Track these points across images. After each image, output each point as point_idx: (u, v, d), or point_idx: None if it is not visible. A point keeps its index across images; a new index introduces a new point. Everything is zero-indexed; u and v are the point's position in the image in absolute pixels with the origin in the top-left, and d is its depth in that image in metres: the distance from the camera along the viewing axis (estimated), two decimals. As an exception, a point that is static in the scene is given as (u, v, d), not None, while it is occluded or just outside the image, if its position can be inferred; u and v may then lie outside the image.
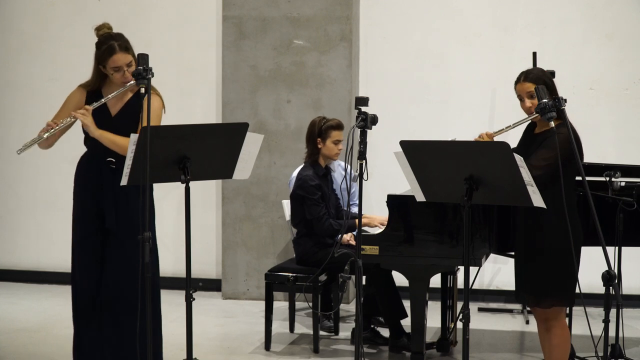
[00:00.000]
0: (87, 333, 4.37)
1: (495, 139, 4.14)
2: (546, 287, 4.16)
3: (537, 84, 4.03)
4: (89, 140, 4.36)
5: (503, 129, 4.16)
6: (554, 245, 4.10)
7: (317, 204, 5.38)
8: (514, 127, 4.14)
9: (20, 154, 4.19)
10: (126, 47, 4.27)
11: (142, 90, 3.69)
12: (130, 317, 4.20)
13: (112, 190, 4.28)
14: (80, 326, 4.39)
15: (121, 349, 4.32)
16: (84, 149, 4.45)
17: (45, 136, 4.18)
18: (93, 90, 4.35)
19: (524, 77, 4.16)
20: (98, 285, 4.33)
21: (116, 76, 4.26)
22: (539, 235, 4.16)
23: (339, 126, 5.52)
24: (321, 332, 5.66)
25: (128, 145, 4.12)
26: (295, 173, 5.77)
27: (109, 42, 4.24)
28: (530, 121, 4.24)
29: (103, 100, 4.23)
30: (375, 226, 5.37)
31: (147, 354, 3.76)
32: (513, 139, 4.33)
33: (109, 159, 4.30)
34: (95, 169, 4.34)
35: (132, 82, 4.16)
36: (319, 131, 5.49)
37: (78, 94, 4.37)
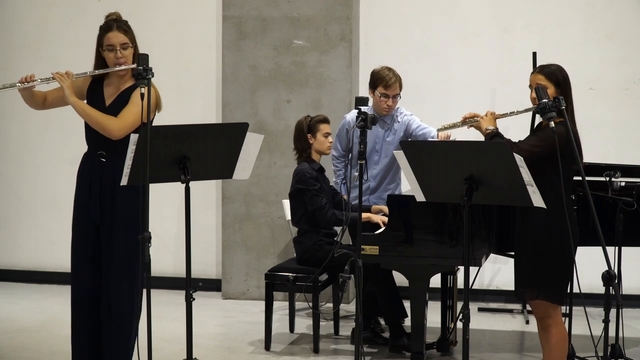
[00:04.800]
0: (82, 330, 4.38)
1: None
2: (537, 282, 4.18)
3: (550, 79, 4.15)
4: (89, 137, 4.36)
5: (507, 113, 4.38)
6: (546, 244, 4.12)
7: (318, 194, 5.39)
8: (517, 114, 4.37)
9: None
10: (125, 29, 4.27)
11: (143, 90, 3.69)
12: (120, 313, 4.25)
13: (98, 185, 4.28)
14: (77, 324, 4.41)
15: (114, 346, 4.33)
16: (83, 150, 4.45)
17: (18, 86, 4.19)
18: (95, 79, 4.34)
19: (540, 69, 4.24)
20: (93, 282, 4.35)
21: (109, 55, 4.24)
22: (533, 233, 4.18)
23: (326, 120, 5.59)
24: (321, 332, 5.65)
25: (100, 119, 4.19)
26: None
27: (109, 22, 4.28)
28: (534, 113, 4.34)
29: (88, 72, 4.25)
30: (376, 222, 5.36)
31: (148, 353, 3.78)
32: (513, 137, 4.34)
33: (99, 152, 4.30)
34: (89, 165, 4.36)
35: (123, 67, 4.20)
36: (308, 127, 5.53)
37: (82, 78, 4.35)
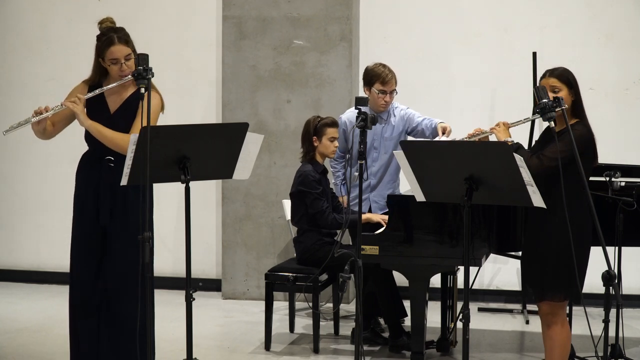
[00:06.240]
0: (84, 333, 4.36)
1: (511, 130, 4.30)
2: (551, 280, 4.18)
3: (562, 81, 4.18)
4: (89, 138, 4.35)
5: (521, 121, 4.34)
6: (561, 240, 4.09)
7: (319, 197, 5.40)
8: (532, 120, 4.41)
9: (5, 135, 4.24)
10: (126, 40, 4.26)
11: (142, 90, 3.68)
12: (127, 316, 4.21)
13: (109, 189, 4.26)
14: (77, 326, 4.38)
15: (118, 349, 4.31)
16: (83, 149, 4.45)
17: (33, 120, 4.14)
18: (94, 85, 4.33)
19: (550, 73, 4.25)
20: (95, 284, 4.33)
21: (113, 69, 4.24)
22: (548, 230, 4.17)
23: (334, 123, 5.56)
24: (321, 332, 5.65)
25: (116, 139, 4.20)
26: None
27: (109, 34, 4.25)
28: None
29: (97, 91, 4.22)
30: (377, 222, 5.36)
31: (146, 353, 3.76)
32: (521, 139, 4.34)
33: (107, 157, 4.29)
34: (94, 168, 4.33)
35: (128, 77, 4.15)
36: (314, 129, 5.52)
37: (80, 88, 4.34)
